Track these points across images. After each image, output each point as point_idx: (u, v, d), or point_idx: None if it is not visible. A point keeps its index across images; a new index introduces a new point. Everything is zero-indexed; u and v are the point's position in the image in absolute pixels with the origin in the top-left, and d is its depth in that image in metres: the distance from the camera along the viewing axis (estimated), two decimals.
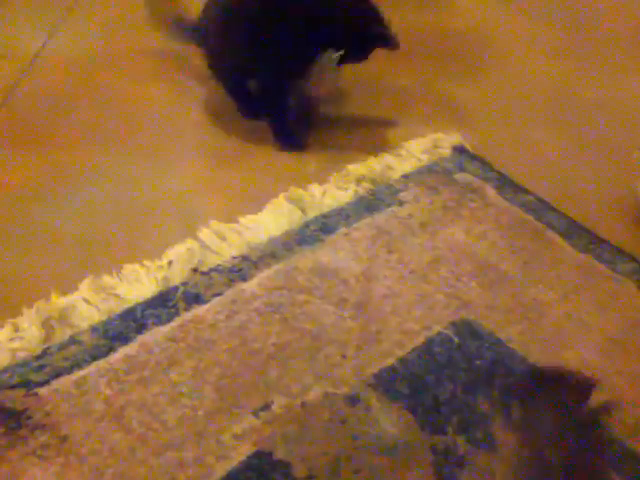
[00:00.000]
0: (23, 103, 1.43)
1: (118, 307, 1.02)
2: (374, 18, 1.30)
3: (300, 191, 1.24)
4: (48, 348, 0.96)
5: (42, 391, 0.90)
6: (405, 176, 1.32)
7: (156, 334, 0.99)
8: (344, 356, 0.99)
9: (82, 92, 1.47)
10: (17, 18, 1.65)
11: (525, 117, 1.51)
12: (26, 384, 0.90)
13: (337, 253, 1.14)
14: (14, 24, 1.64)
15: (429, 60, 1.64)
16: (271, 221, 1.19)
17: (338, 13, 1.28)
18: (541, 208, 1.27)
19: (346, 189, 1.27)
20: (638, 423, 0.94)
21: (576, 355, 1.02)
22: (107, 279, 1.05)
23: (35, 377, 0.92)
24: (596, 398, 0.93)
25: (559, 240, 1.21)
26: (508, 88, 1.59)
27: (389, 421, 0.92)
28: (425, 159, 1.36)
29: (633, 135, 1.44)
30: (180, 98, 1.47)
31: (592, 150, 1.43)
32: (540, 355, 1.02)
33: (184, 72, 1.55)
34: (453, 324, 1.05)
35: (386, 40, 1.30)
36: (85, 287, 1.04)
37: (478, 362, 1.00)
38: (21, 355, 0.94)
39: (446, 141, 1.40)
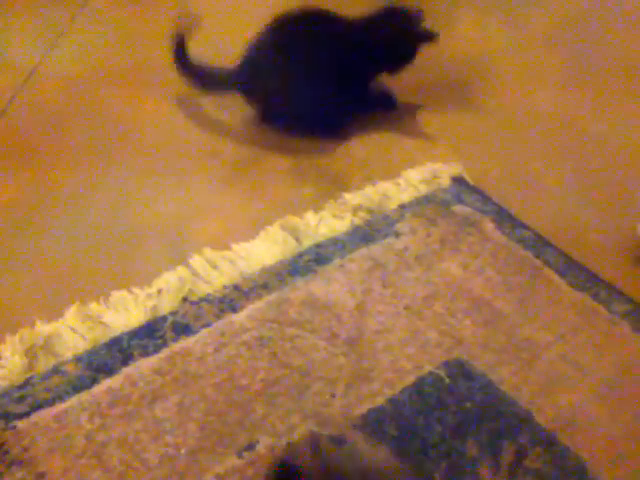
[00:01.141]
0: (18, 119, 1.41)
1: (104, 336, 1.00)
2: (413, 21, 1.45)
3: (295, 219, 1.23)
4: (30, 378, 0.94)
5: (21, 424, 0.88)
6: (402, 206, 1.30)
7: (142, 366, 0.97)
8: (333, 395, 0.97)
9: (79, 108, 1.46)
10: (15, 31, 1.64)
11: (526, 149, 1.49)
12: (5, 416, 0.89)
13: (330, 285, 1.13)
14: (12, 37, 1.62)
15: (430, 87, 1.62)
16: (264, 250, 1.17)
17: (384, 33, 1.44)
18: (539, 244, 1.24)
19: (342, 218, 1.25)
20: (633, 476, 0.91)
21: (570, 400, 1.00)
22: (94, 306, 1.04)
23: (15, 409, 0.90)
24: None
25: (556, 278, 1.19)
26: (510, 118, 1.57)
27: (376, 465, 0.89)
28: (423, 189, 1.34)
29: (637, 171, 1.42)
30: (177, 117, 1.45)
31: (594, 185, 1.40)
32: (531, 398, 1.00)
33: (183, 89, 1.54)
34: (445, 363, 1.03)
35: (428, 37, 1.46)
36: (71, 314, 1.02)
37: (468, 404, 0.98)
38: (2, 384, 0.93)
39: (445, 171, 1.38)
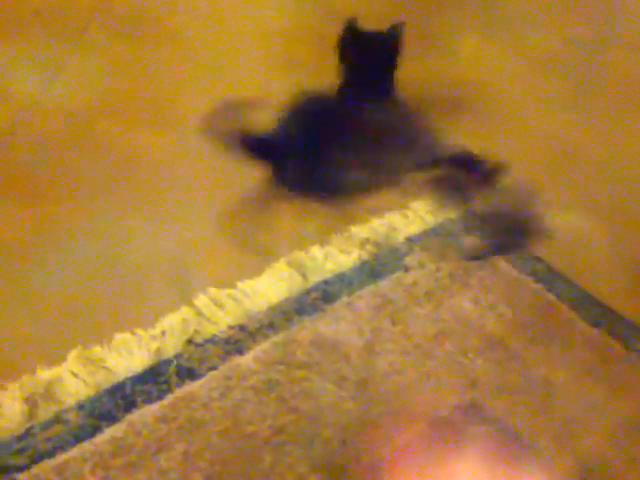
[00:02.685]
0: (18, 151, 1.38)
1: (107, 381, 0.97)
2: None
3: (301, 255, 1.20)
4: (31, 428, 0.91)
5: (21, 477, 0.85)
6: (410, 239, 1.27)
7: (145, 413, 0.93)
8: (343, 442, 0.94)
9: (79, 140, 1.43)
10: (15, 62, 1.61)
11: (532, 175, 1.46)
12: (5, 469, 0.85)
13: (338, 324, 1.10)
14: (12, 68, 1.60)
15: (432, 112, 1.59)
16: (270, 287, 1.14)
17: None
18: (551, 277, 1.22)
19: (349, 253, 1.22)
20: None
21: (587, 445, 0.97)
22: (96, 350, 1.01)
23: (15, 461, 0.87)
24: None
25: (570, 313, 1.16)
26: (514, 144, 1.54)
27: None
28: (430, 220, 1.31)
29: None
30: (179, 150, 1.42)
31: (603, 213, 1.38)
32: (549, 444, 0.97)
33: (186, 119, 1.52)
34: (458, 407, 1.00)
35: None
36: (73, 358, 0.99)
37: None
38: (2, 435, 0.89)
39: None
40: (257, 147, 1.36)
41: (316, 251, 1.21)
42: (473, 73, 1.78)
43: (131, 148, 1.38)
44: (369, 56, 1.47)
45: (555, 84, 1.75)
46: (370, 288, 1.16)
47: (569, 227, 1.33)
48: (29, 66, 1.60)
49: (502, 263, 1.23)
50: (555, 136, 1.58)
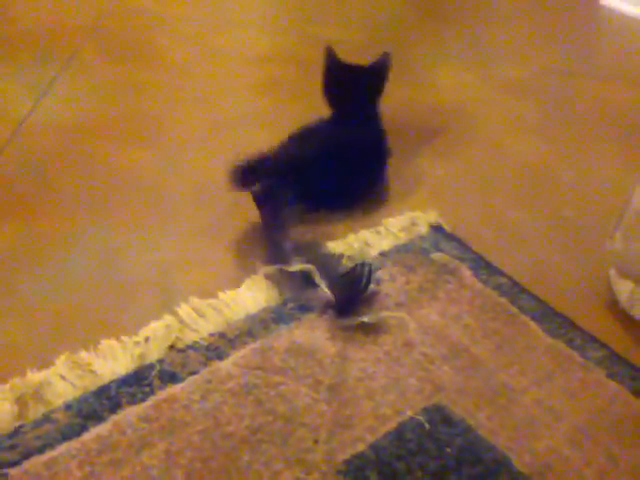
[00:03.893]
0: (8, 169, 1.44)
1: (93, 384, 1.03)
2: None
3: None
4: (21, 426, 0.96)
5: (13, 472, 0.90)
6: (383, 254, 1.34)
7: (130, 414, 0.99)
8: (316, 441, 1.00)
9: (69, 158, 1.49)
10: (4, 81, 1.68)
11: (501, 196, 1.55)
12: None
13: (313, 332, 1.16)
14: (3, 88, 1.66)
15: (408, 136, 1.68)
16: (250, 297, 1.20)
17: None
18: (515, 291, 1.29)
19: None
20: None
21: (545, 445, 1.03)
22: (83, 355, 1.06)
23: (6, 457, 0.92)
24: None
25: (532, 324, 1.23)
26: (486, 167, 1.63)
27: None
28: (403, 237, 1.38)
29: (606, 219, 1.47)
30: (166, 167, 1.49)
31: (566, 232, 1.46)
32: (509, 443, 1.03)
33: (173, 139, 1.59)
34: (425, 409, 1.06)
35: None
36: (61, 362, 1.04)
37: (448, 449, 1.01)
38: None
39: (424, 219, 1.42)
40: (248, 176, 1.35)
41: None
42: (448, 101, 1.86)
43: (118, 165, 1.45)
44: (353, 89, 1.52)
45: (526, 111, 1.84)
46: None
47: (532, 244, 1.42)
48: (20, 86, 1.66)
49: (469, 277, 1.30)
50: (525, 159, 1.66)
